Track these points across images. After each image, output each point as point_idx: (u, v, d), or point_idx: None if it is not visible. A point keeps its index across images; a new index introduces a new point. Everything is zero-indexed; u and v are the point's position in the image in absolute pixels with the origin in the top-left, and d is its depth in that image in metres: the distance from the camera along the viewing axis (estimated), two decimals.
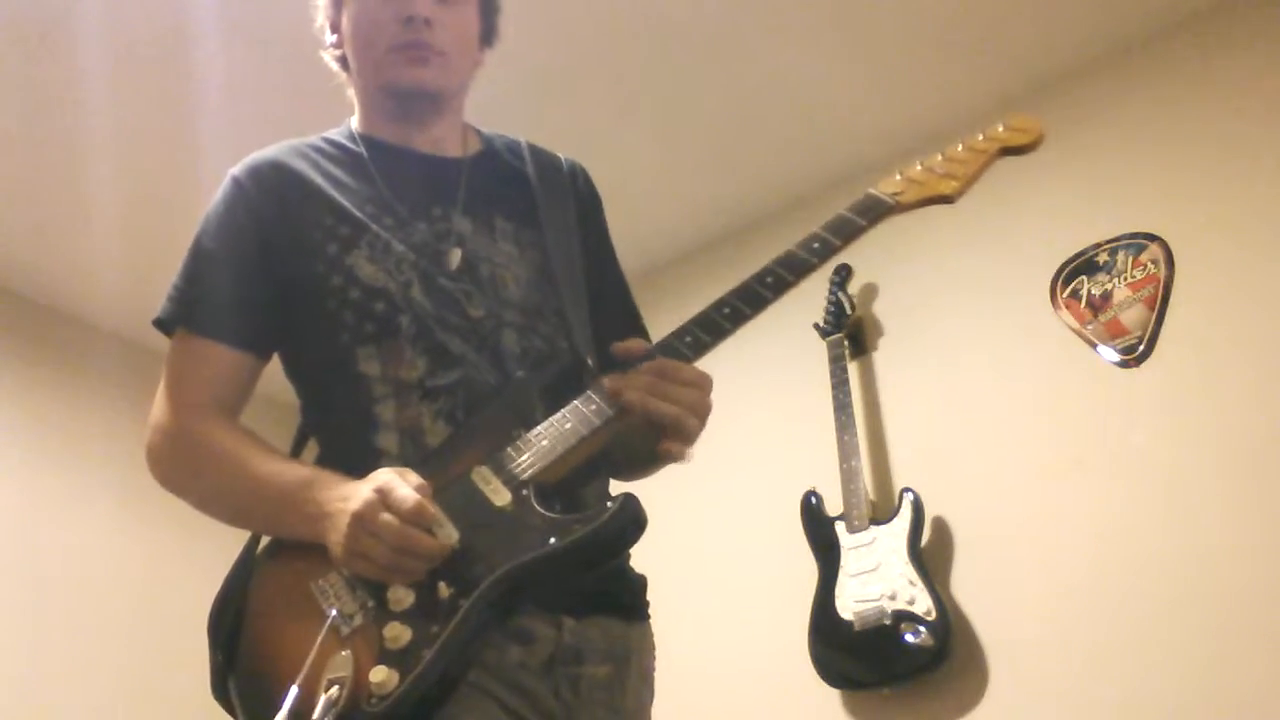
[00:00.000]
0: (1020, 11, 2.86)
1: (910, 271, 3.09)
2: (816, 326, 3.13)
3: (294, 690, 1.07)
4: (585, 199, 1.56)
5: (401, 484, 1.15)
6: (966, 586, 2.73)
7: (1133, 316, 2.73)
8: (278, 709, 1.07)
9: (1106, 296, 2.78)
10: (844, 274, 3.18)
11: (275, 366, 1.41)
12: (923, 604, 2.62)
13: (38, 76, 2.79)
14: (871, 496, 2.90)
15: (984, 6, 2.84)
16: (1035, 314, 2.88)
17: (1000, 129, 1.52)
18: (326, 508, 1.18)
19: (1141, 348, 2.69)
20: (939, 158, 1.48)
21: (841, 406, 2.96)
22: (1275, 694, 2.27)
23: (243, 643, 1.21)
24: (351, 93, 1.53)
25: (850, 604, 2.71)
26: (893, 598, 2.65)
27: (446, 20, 1.43)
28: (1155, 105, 2.89)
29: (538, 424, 1.25)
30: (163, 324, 1.38)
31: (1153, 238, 2.76)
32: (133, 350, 3.59)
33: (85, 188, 3.14)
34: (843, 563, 2.79)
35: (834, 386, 3.01)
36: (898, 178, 1.45)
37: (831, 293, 3.14)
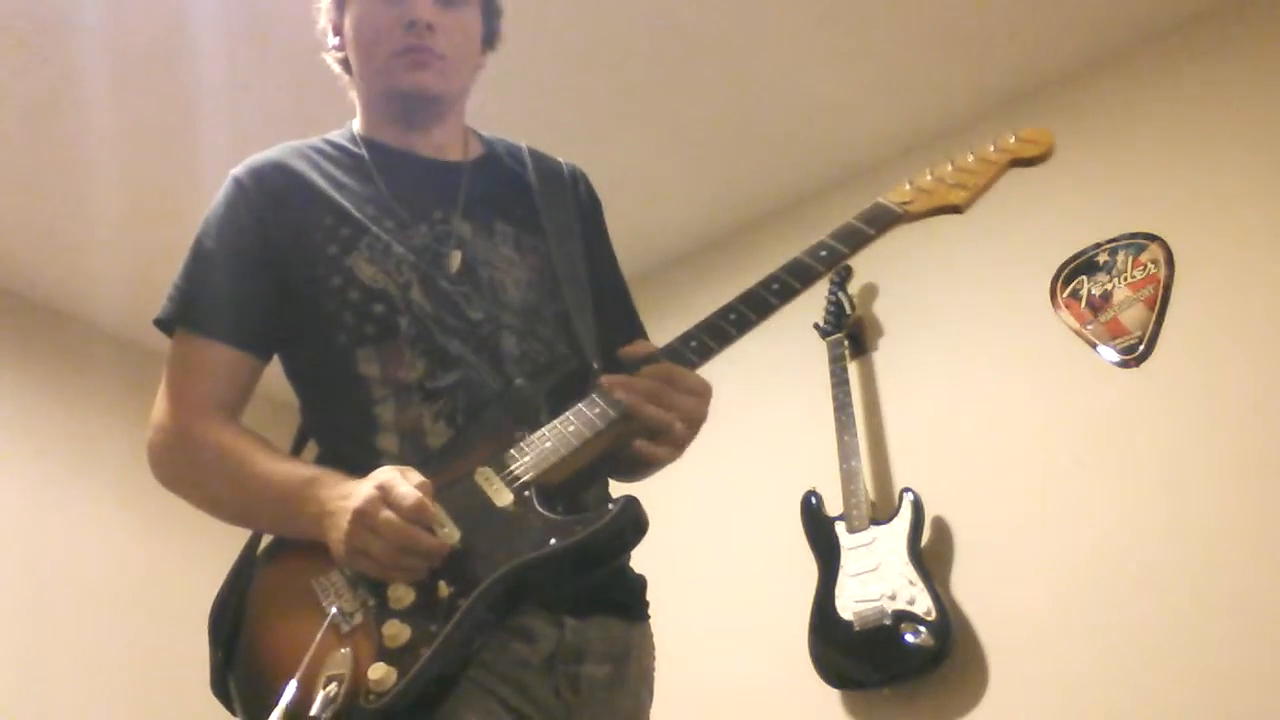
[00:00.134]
0: (1020, 12, 2.86)
1: (910, 271, 3.09)
2: (816, 326, 3.13)
3: (291, 685, 1.07)
4: (586, 204, 1.56)
5: (403, 482, 1.15)
6: (966, 586, 2.73)
7: (1133, 316, 2.73)
8: (274, 704, 1.07)
9: (1106, 296, 2.78)
10: (844, 274, 3.18)
11: (275, 366, 1.42)
12: (923, 604, 2.62)
13: (39, 76, 2.79)
14: (871, 496, 2.90)
15: (984, 7, 2.84)
16: (1035, 314, 2.88)
17: (1011, 140, 1.52)
18: (328, 506, 1.19)
19: (1141, 348, 2.70)
20: (949, 167, 1.48)
21: (841, 406, 2.96)
22: (1276, 694, 2.28)
23: (243, 640, 1.21)
24: (353, 95, 1.53)
25: (850, 604, 2.71)
26: (893, 598, 2.65)
27: (448, 24, 1.43)
28: (1155, 105, 2.89)
29: (541, 426, 1.25)
30: (163, 324, 1.38)
31: (1153, 238, 2.76)
32: (133, 350, 3.59)
33: (85, 188, 3.14)
34: (843, 563, 2.79)
35: (834, 386, 3.01)
36: (907, 186, 1.45)
37: (831, 293, 3.14)
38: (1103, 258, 2.83)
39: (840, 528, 2.84)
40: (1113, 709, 2.46)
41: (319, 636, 1.11)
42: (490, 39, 1.54)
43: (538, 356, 1.37)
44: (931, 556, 2.76)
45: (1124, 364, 2.71)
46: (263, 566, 1.27)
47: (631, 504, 1.18)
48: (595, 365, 1.36)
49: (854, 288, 3.21)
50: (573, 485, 1.26)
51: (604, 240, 1.57)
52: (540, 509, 1.19)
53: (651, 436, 1.24)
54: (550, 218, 1.47)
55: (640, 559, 1.34)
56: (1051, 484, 2.71)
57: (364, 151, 1.46)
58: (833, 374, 3.04)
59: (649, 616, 1.40)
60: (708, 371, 1.30)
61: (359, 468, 1.22)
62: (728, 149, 3.28)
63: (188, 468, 1.33)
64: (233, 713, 1.21)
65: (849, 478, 2.87)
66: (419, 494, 1.14)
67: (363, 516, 1.14)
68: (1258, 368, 2.52)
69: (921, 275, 3.10)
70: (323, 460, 1.34)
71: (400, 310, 1.33)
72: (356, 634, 1.13)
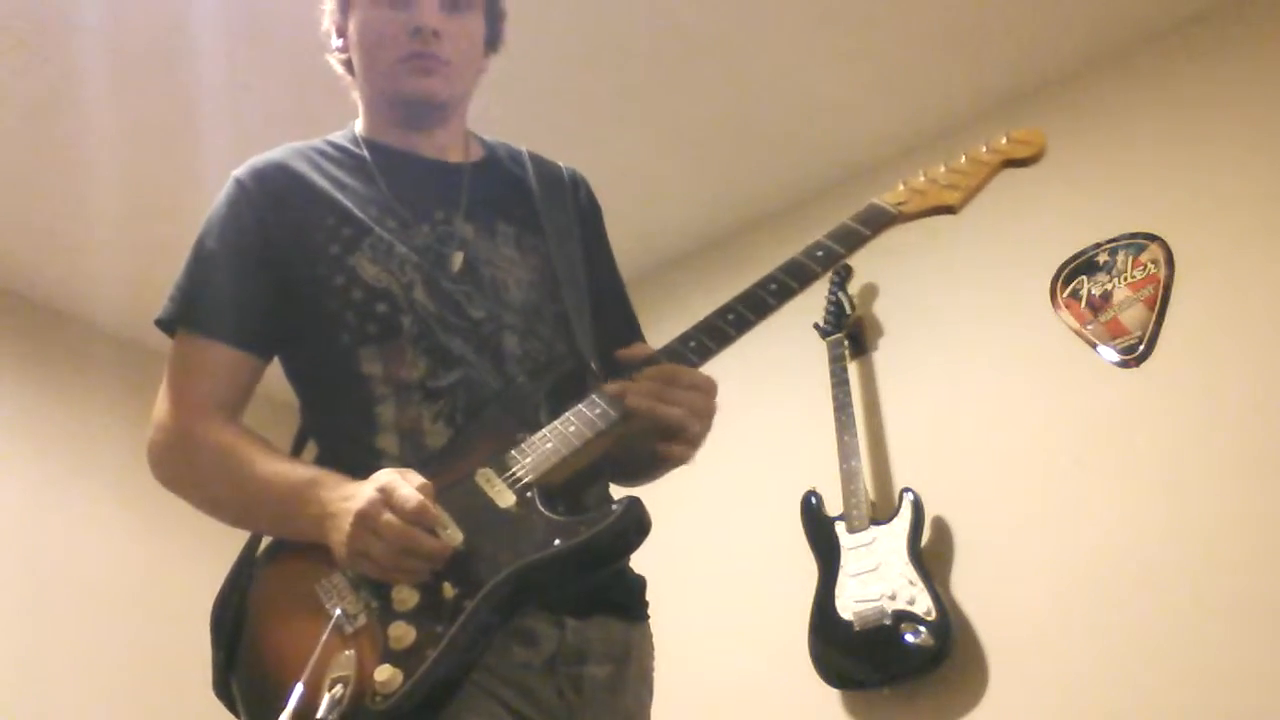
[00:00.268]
0: (1020, 12, 2.86)
1: (910, 271, 3.09)
2: (816, 326, 3.13)
3: (299, 688, 1.07)
4: (586, 208, 1.57)
5: (404, 484, 1.15)
6: (966, 586, 2.73)
7: (1133, 316, 2.73)
8: (280, 706, 1.07)
9: (1106, 296, 2.78)
10: (844, 274, 3.18)
11: (275, 367, 1.42)
12: (923, 604, 2.62)
13: (39, 76, 2.79)
14: (871, 496, 2.90)
15: (984, 7, 2.84)
16: (1035, 314, 2.88)
17: (1003, 141, 1.54)
18: (330, 508, 1.19)
19: (1141, 348, 2.70)
20: (942, 168, 1.50)
21: (841, 406, 2.96)
22: (1276, 694, 2.28)
23: (244, 641, 1.21)
24: (355, 95, 1.53)
25: (850, 604, 2.71)
26: (893, 598, 2.66)
27: (453, 30, 1.44)
28: (1155, 105, 2.89)
29: (541, 427, 1.26)
30: (164, 324, 1.38)
31: (1153, 238, 2.76)
32: (133, 350, 3.59)
33: (85, 188, 3.14)
34: (843, 563, 2.79)
35: (834, 386, 3.01)
36: (901, 188, 1.47)
37: (831, 293, 3.14)
38: (1103, 258, 2.83)
39: (840, 528, 2.84)
40: (1113, 709, 2.46)
41: (324, 638, 1.11)
42: (493, 42, 1.55)
43: (538, 356, 1.38)
44: (931, 556, 2.76)
45: (1124, 364, 2.71)
46: (263, 568, 1.27)
47: (634, 505, 1.18)
48: (593, 366, 1.37)
49: (854, 288, 3.21)
50: (573, 486, 1.26)
51: (603, 244, 1.58)
52: (543, 510, 1.19)
53: (664, 437, 1.25)
54: (550, 220, 1.48)
55: (640, 559, 1.34)
56: (1051, 484, 2.71)
57: (366, 153, 1.46)
58: (833, 374, 3.04)
59: (648, 617, 1.40)
60: (707, 371, 1.30)
61: (358, 468, 1.23)
62: (728, 149, 3.28)
63: (188, 468, 1.33)
64: (235, 714, 1.21)
65: (849, 478, 2.87)
66: (421, 496, 1.14)
67: (364, 519, 1.14)
68: (1258, 368, 2.52)
69: (921, 275, 3.10)
70: (322, 460, 1.34)
71: (403, 309, 1.33)
72: (360, 636, 1.13)
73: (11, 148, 2.99)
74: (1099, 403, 2.71)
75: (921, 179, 1.48)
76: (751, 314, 1.31)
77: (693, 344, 1.30)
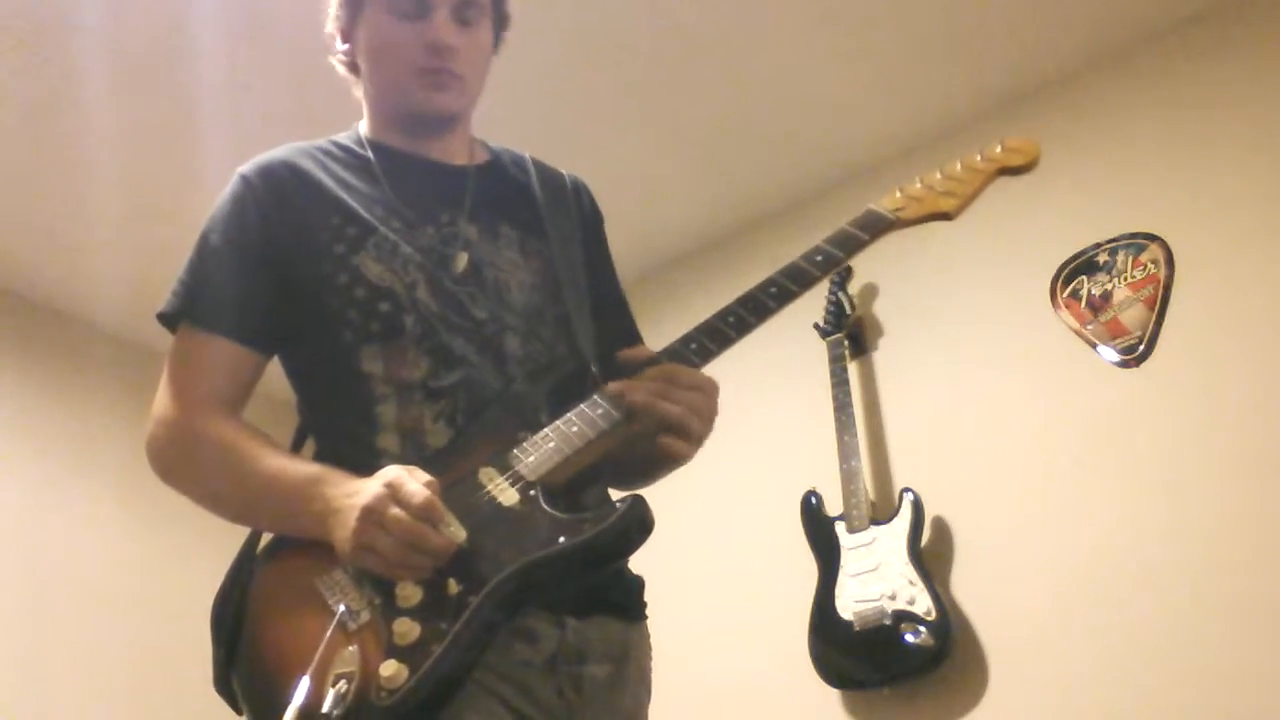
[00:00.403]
0: (1020, 12, 2.86)
1: (910, 271, 3.09)
2: (816, 326, 3.13)
3: (305, 682, 1.07)
4: (588, 215, 1.58)
5: (411, 480, 1.16)
6: (966, 586, 2.73)
7: (1133, 316, 2.73)
8: (283, 702, 1.07)
9: (1106, 296, 2.78)
10: (844, 274, 3.18)
11: (275, 366, 1.42)
12: (923, 604, 2.62)
13: (39, 76, 2.79)
14: (871, 496, 2.90)
15: (984, 7, 2.84)
16: (1035, 314, 2.88)
17: (998, 149, 1.57)
18: (334, 504, 1.19)
19: (1141, 348, 2.70)
20: (937, 175, 1.53)
21: (841, 406, 2.96)
22: (1276, 694, 2.28)
23: (245, 638, 1.21)
24: (358, 93, 1.53)
25: (850, 604, 2.71)
26: (893, 598, 2.66)
27: (466, 44, 1.44)
28: (1155, 105, 2.89)
29: (543, 427, 1.26)
30: (167, 318, 1.38)
31: (1153, 238, 2.76)
32: (133, 350, 3.60)
33: (85, 188, 3.14)
34: (843, 563, 2.79)
35: (834, 386, 3.01)
36: (898, 194, 1.50)
37: (831, 293, 3.14)
38: (1103, 258, 2.83)
39: (840, 528, 2.84)
40: (1113, 709, 2.46)
41: (329, 634, 1.11)
42: (495, 44, 1.55)
43: (539, 357, 1.38)
44: (931, 556, 2.76)
45: (1124, 364, 2.71)
46: (263, 565, 1.27)
47: (638, 503, 1.19)
48: (593, 367, 1.37)
49: (854, 288, 3.21)
50: (573, 487, 1.27)
51: (604, 251, 1.59)
52: (547, 508, 1.20)
53: (667, 435, 1.25)
54: (553, 225, 1.49)
55: (641, 558, 1.34)
56: (1051, 484, 2.71)
57: (370, 154, 1.46)
58: (833, 374, 3.04)
59: (646, 617, 1.41)
60: (708, 373, 1.31)
61: (359, 467, 1.23)
62: (728, 149, 3.28)
63: (189, 463, 1.33)
64: (236, 710, 1.21)
65: (849, 478, 2.87)
66: (428, 492, 1.15)
67: (371, 513, 1.14)
68: (1258, 368, 2.52)
69: (921, 275, 3.10)
70: (321, 459, 1.34)
71: (406, 309, 1.34)
72: (363, 632, 1.13)
73: (11, 148, 2.99)
74: (1099, 403, 2.71)
75: (918, 186, 1.51)
76: (752, 316, 1.33)
77: (694, 345, 1.31)
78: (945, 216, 1.49)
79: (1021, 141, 1.57)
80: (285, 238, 1.37)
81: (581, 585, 1.24)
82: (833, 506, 2.90)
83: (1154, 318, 2.70)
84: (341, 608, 1.14)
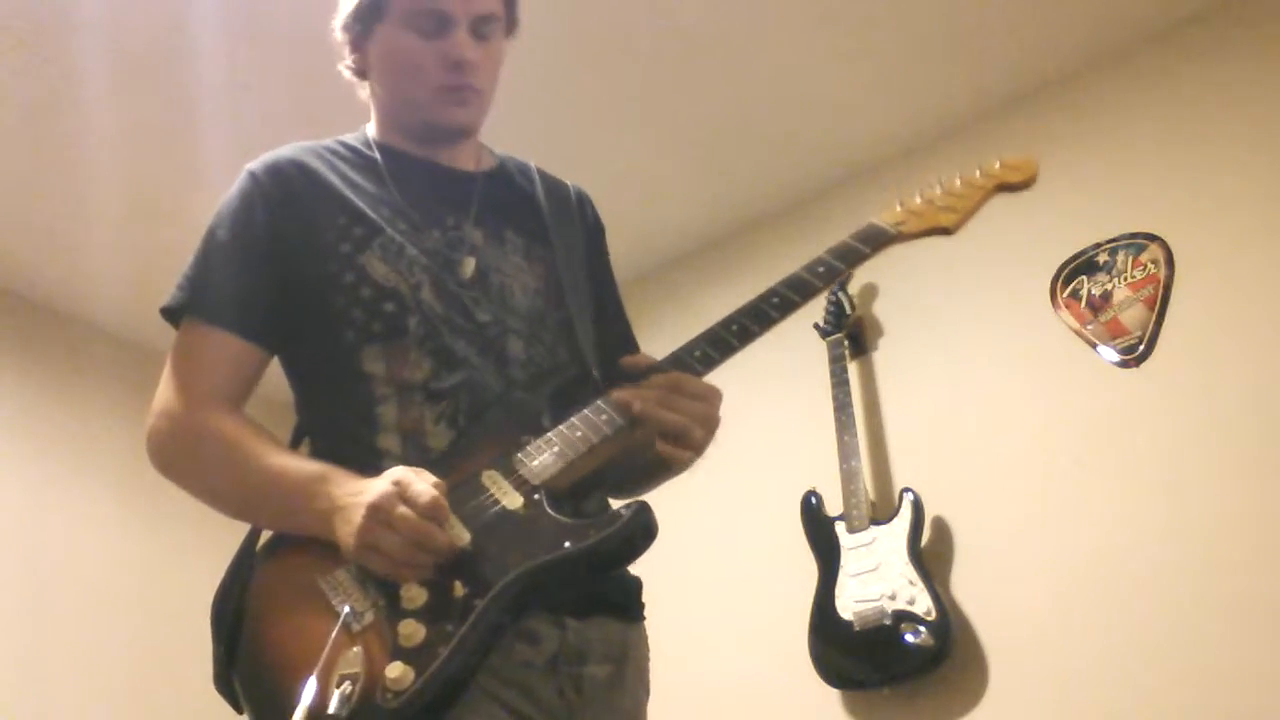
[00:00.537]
0: (1020, 12, 2.86)
1: (910, 271, 3.08)
2: (816, 326, 3.13)
3: (312, 683, 1.06)
4: (591, 225, 1.59)
5: (418, 480, 1.16)
6: (966, 586, 2.73)
7: (1133, 316, 2.73)
8: (285, 702, 1.06)
9: (1106, 296, 2.79)
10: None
11: (274, 367, 1.41)
12: (923, 604, 2.62)
13: (39, 76, 2.79)
14: (871, 496, 2.90)
15: (984, 7, 2.84)
16: (1035, 314, 2.88)
17: (996, 166, 1.63)
18: (339, 502, 1.19)
19: (1141, 348, 2.70)
20: (937, 190, 1.58)
21: (841, 407, 2.96)
22: (1276, 694, 2.28)
23: (246, 637, 1.21)
24: (365, 96, 1.53)
25: (850, 604, 2.71)
26: (893, 598, 2.66)
27: (482, 58, 1.44)
28: (1155, 105, 2.89)
29: (545, 432, 1.27)
30: (171, 311, 1.37)
31: (1153, 238, 2.76)
32: (133, 350, 3.60)
33: (85, 188, 3.14)
34: (843, 563, 2.79)
35: (834, 386, 3.01)
36: (899, 209, 1.55)
37: (832, 293, 3.14)
38: (1103, 258, 2.83)
39: (840, 528, 2.84)
40: (1113, 709, 2.46)
41: (334, 635, 1.11)
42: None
43: (541, 362, 1.39)
44: (931, 556, 2.76)
45: (1124, 364, 2.71)
46: (263, 563, 1.26)
47: (643, 510, 1.20)
48: (595, 373, 1.38)
49: (854, 288, 3.21)
50: (575, 492, 1.28)
51: (605, 262, 1.61)
52: (551, 512, 1.20)
53: (669, 443, 1.26)
54: (557, 232, 1.50)
55: (641, 558, 1.35)
56: (1051, 484, 2.71)
57: (378, 155, 1.47)
58: (833, 374, 3.04)
59: (644, 617, 1.41)
60: (710, 380, 1.33)
61: (359, 467, 1.23)
62: (728, 149, 3.28)
63: (190, 457, 1.32)
64: (236, 709, 1.21)
65: (849, 478, 2.87)
66: (435, 492, 1.15)
67: (378, 511, 1.14)
68: (1258, 368, 2.52)
69: (921, 275, 3.10)
70: (319, 459, 1.34)
71: (410, 310, 1.34)
72: (368, 633, 1.13)
73: (11, 148, 2.99)
74: (1099, 403, 2.71)
75: (918, 200, 1.56)
76: (755, 325, 1.35)
77: (697, 353, 1.32)
78: (945, 231, 1.54)
79: (1019, 159, 1.63)
80: (292, 235, 1.37)
81: (583, 588, 1.25)
82: (833, 506, 2.90)
83: (1154, 318, 2.70)
84: (346, 608, 1.14)
